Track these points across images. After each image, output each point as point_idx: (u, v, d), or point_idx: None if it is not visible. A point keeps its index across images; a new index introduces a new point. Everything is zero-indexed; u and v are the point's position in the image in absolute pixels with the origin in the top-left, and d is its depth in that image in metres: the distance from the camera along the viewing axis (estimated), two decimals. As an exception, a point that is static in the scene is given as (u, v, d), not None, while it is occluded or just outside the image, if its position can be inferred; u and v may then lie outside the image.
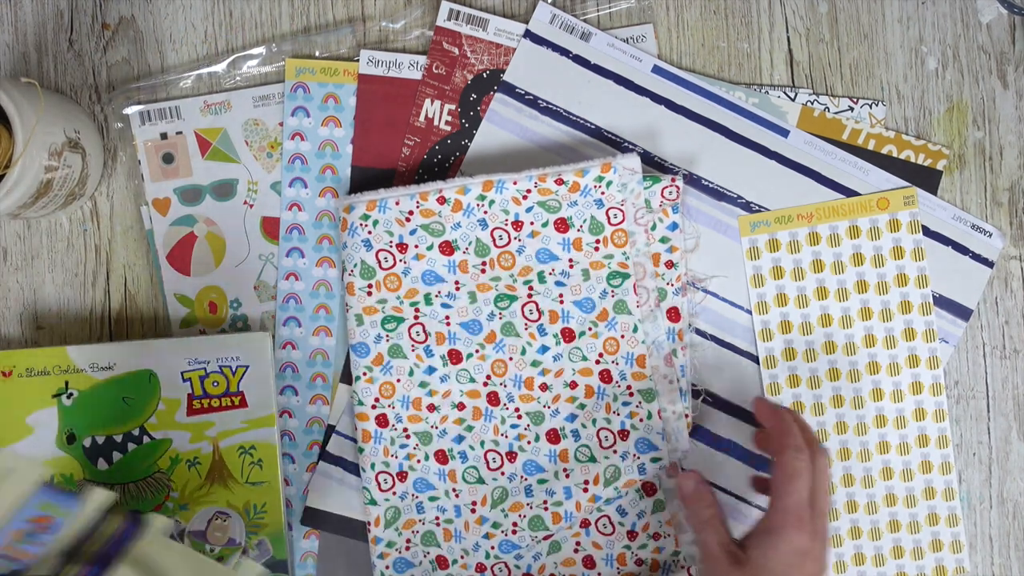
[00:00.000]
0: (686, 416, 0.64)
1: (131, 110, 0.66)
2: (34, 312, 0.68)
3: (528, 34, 0.66)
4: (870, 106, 0.67)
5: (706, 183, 0.66)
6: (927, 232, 0.66)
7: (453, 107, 0.66)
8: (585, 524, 0.65)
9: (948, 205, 0.67)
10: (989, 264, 0.67)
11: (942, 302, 0.66)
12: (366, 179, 0.66)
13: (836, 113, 0.67)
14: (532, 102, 0.66)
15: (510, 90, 0.66)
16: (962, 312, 0.67)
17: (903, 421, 0.66)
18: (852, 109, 0.67)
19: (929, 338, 0.66)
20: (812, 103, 0.67)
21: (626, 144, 0.66)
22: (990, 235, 0.67)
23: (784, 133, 0.66)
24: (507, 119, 0.66)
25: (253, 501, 0.64)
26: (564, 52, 0.66)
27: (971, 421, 0.67)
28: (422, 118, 0.66)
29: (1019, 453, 0.67)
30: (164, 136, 0.67)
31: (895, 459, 0.66)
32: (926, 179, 0.67)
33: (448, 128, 0.67)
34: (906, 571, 0.66)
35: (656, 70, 0.66)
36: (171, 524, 0.56)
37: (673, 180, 0.64)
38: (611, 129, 0.66)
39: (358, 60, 0.67)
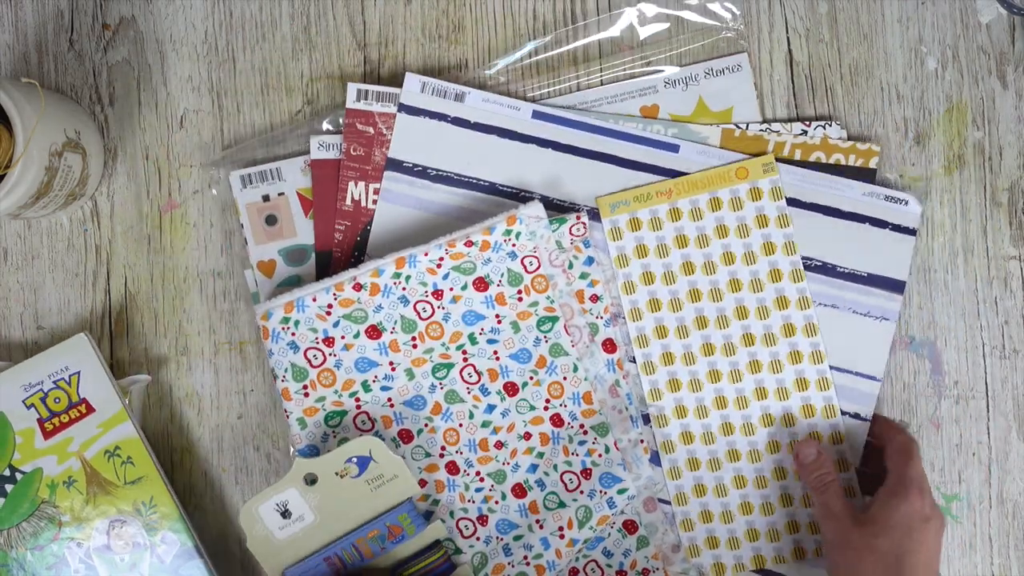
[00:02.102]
0: (641, 442, 0.65)
1: (233, 175, 0.66)
2: (34, 312, 0.68)
3: (402, 107, 0.66)
4: (823, 127, 0.66)
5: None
6: (839, 214, 0.65)
7: (378, 185, 0.66)
8: (574, 573, 0.65)
9: (854, 182, 0.65)
10: (911, 232, 0.65)
11: (872, 280, 0.65)
12: (331, 261, 0.66)
13: (797, 136, 0.66)
14: (422, 172, 0.66)
15: (397, 165, 0.66)
16: (895, 286, 0.65)
17: (785, 392, 0.66)
18: (805, 132, 0.66)
19: (803, 305, 0.65)
20: (766, 131, 0.66)
21: (523, 193, 0.66)
22: (906, 203, 0.65)
23: (675, 148, 0.66)
24: (401, 194, 0.66)
25: (140, 499, 0.63)
26: (441, 117, 0.66)
27: (971, 421, 0.67)
28: (348, 201, 0.66)
29: (1019, 453, 0.67)
30: (266, 198, 0.66)
31: (781, 432, 0.66)
32: (863, 180, 0.66)
33: (376, 207, 0.66)
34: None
35: (536, 115, 0.66)
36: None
37: (579, 217, 0.64)
38: (506, 183, 0.66)
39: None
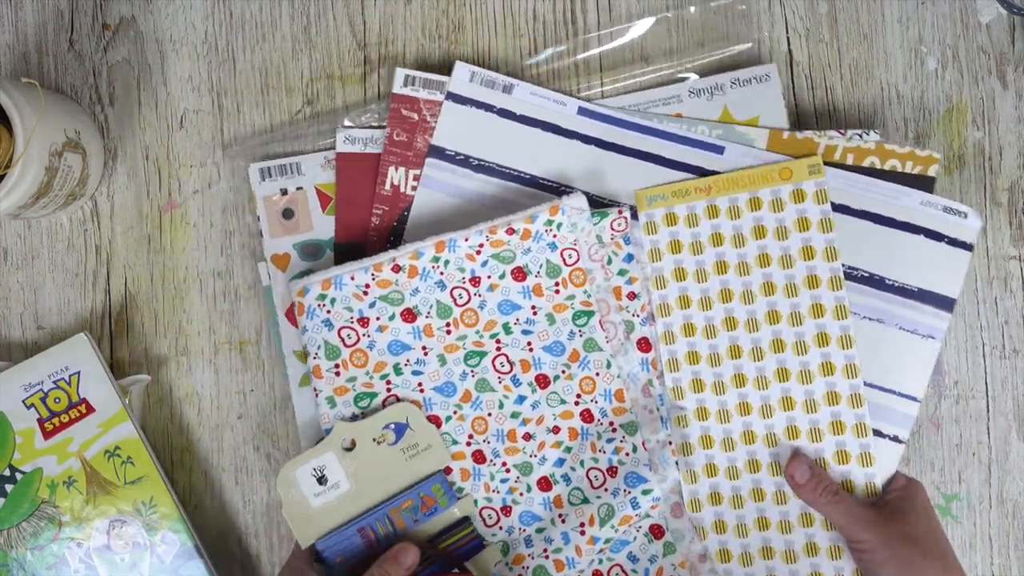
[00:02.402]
0: (669, 443, 0.64)
1: (252, 167, 0.66)
2: (34, 312, 0.68)
3: (450, 95, 0.66)
4: (860, 136, 0.64)
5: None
6: (893, 223, 0.63)
7: (418, 172, 0.66)
8: None
9: (912, 190, 0.63)
10: (968, 247, 0.63)
11: (922, 295, 0.63)
12: (350, 254, 0.66)
13: (849, 140, 0.64)
14: (464, 161, 0.66)
15: (440, 153, 0.66)
16: (945, 303, 0.63)
17: (813, 405, 0.63)
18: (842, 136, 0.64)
19: (840, 315, 0.63)
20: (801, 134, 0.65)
21: (565, 188, 0.66)
22: (965, 216, 0.63)
23: (720, 150, 0.65)
24: (442, 182, 0.66)
25: (140, 499, 0.64)
26: (488, 108, 0.66)
27: (971, 421, 0.67)
28: (388, 186, 0.66)
29: (1019, 453, 0.67)
30: (284, 192, 0.67)
31: (806, 446, 0.63)
32: (919, 188, 0.63)
33: (414, 193, 0.66)
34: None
35: (582, 111, 0.66)
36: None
37: (620, 212, 0.64)
38: (547, 176, 0.66)
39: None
